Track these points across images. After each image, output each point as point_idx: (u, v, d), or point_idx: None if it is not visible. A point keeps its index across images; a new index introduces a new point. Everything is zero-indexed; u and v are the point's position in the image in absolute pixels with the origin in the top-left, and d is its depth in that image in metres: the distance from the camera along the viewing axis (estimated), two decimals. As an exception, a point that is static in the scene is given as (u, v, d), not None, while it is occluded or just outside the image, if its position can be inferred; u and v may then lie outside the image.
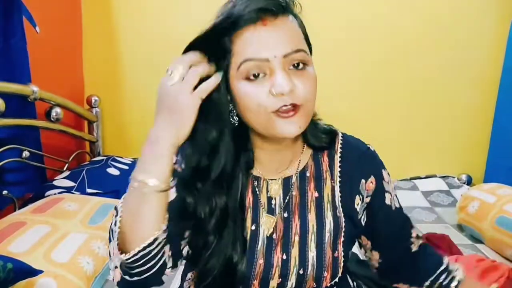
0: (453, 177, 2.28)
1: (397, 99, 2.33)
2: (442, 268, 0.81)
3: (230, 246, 0.70)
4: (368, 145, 0.82)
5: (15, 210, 1.60)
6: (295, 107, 0.64)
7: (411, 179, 2.32)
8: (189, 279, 0.83)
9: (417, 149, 2.39)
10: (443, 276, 0.80)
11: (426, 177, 2.31)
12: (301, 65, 0.65)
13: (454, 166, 2.35)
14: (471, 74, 2.27)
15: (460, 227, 1.80)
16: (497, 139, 2.23)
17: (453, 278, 0.80)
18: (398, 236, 0.82)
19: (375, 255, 0.83)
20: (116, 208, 0.68)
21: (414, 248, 0.82)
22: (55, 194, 1.67)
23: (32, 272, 1.03)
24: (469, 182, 2.30)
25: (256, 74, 0.64)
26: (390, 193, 0.80)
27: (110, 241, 0.67)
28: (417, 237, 0.83)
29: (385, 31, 2.24)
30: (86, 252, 1.25)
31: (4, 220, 1.36)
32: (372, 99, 2.33)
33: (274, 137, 0.68)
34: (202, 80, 0.65)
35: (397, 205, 0.82)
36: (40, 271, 1.05)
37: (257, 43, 0.63)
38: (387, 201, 0.79)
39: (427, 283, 0.81)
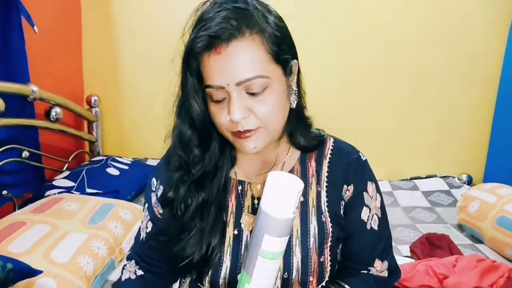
0: (454, 177, 2.28)
1: (397, 99, 2.32)
2: None
3: (210, 232, 0.73)
4: (360, 154, 0.79)
5: (14, 210, 1.60)
6: (250, 131, 0.66)
7: (411, 179, 2.32)
8: (184, 282, 0.84)
9: (417, 149, 2.39)
10: None
11: (427, 177, 2.31)
12: (258, 92, 0.64)
13: (455, 166, 2.35)
14: (471, 74, 2.26)
15: (461, 227, 1.80)
16: (497, 139, 2.23)
17: None
18: (359, 254, 0.79)
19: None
20: None
21: (371, 272, 0.79)
22: (54, 194, 1.67)
23: (31, 272, 1.02)
24: (469, 182, 2.30)
25: (220, 99, 0.66)
26: (369, 208, 0.77)
27: None
28: (388, 267, 0.80)
29: (385, 31, 2.24)
30: (86, 252, 1.24)
31: (4, 220, 1.36)
32: (372, 99, 2.33)
33: None
34: None
35: (375, 228, 0.78)
36: (40, 271, 1.05)
37: (212, 71, 0.64)
38: (363, 216, 0.77)
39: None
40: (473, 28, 2.21)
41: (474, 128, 2.32)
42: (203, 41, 0.63)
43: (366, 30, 2.24)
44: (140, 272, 0.82)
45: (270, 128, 0.67)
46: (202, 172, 0.73)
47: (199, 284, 0.77)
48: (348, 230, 0.77)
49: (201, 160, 0.73)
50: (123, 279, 0.83)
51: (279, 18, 0.69)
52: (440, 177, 2.28)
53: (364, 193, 0.77)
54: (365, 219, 0.77)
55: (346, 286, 0.76)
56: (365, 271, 0.80)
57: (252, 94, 0.64)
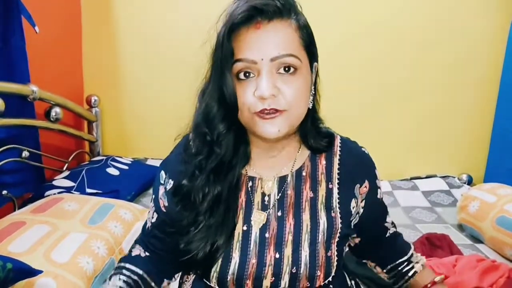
0: (454, 177, 2.28)
1: (398, 99, 2.33)
2: (404, 258, 0.90)
3: (217, 230, 0.73)
4: (363, 148, 0.84)
5: (14, 210, 1.60)
6: (276, 111, 0.67)
7: (411, 179, 2.32)
8: (186, 281, 0.84)
9: (417, 149, 2.39)
10: (404, 265, 0.90)
11: (427, 177, 2.31)
12: (291, 69, 0.67)
13: (455, 166, 2.35)
14: (471, 74, 2.26)
15: (461, 227, 1.80)
16: (498, 139, 2.23)
17: (411, 268, 0.90)
18: (378, 223, 0.89)
19: (356, 240, 0.89)
20: None
21: (387, 234, 0.90)
22: (54, 194, 1.67)
23: (31, 272, 1.02)
24: (469, 182, 2.30)
25: (247, 74, 0.67)
26: (380, 187, 0.85)
27: None
28: (392, 224, 0.92)
29: (385, 30, 2.24)
30: (86, 252, 1.24)
31: (4, 220, 1.36)
32: (372, 99, 2.33)
33: (257, 136, 0.72)
34: None
35: (382, 196, 0.87)
36: (40, 271, 1.04)
37: (247, 45, 0.66)
38: (378, 195, 0.85)
39: (388, 267, 0.91)
40: (473, 28, 2.21)
41: (474, 128, 2.32)
42: (245, 12, 0.65)
43: (366, 30, 2.24)
44: (147, 254, 0.84)
45: (293, 113, 0.69)
46: (218, 163, 0.73)
47: (204, 280, 0.77)
48: (372, 214, 0.83)
49: (223, 140, 0.73)
50: (133, 254, 0.84)
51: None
52: (440, 177, 2.28)
53: (376, 181, 0.84)
54: (379, 196, 0.85)
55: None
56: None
57: (282, 74, 0.66)
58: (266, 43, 0.65)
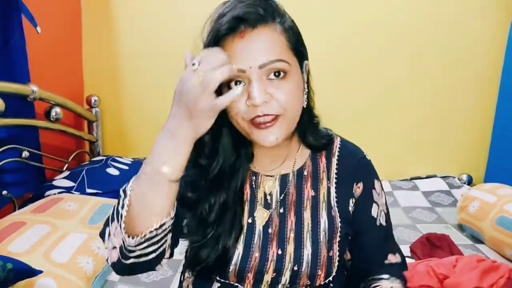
0: (454, 177, 2.28)
1: (398, 99, 2.32)
2: (382, 276, 0.80)
3: (226, 236, 0.73)
4: (364, 153, 0.84)
5: (14, 210, 1.60)
6: (271, 119, 0.67)
7: (411, 179, 2.32)
8: (188, 277, 0.84)
9: (418, 149, 2.39)
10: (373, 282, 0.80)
11: (427, 177, 2.31)
12: (281, 74, 0.67)
13: (455, 166, 2.35)
14: (471, 74, 2.26)
15: (461, 227, 1.80)
16: (498, 139, 2.23)
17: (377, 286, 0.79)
18: (372, 251, 0.82)
19: (348, 255, 0.84)
20: (124, 190, 0.67)
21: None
22: (54, 194, 1.67)
23: (31, 272, 1.02)
24: (469, 182, 2.30)
25: (238, 83, 0.67)
26: (378, 205, 0.81)
27: (111, 221, 0.68)
28: (396, 264, 0.82)
29: (385, 30, 2.24)
30: (86, 252, 1.24)
31: (4, 220, 1.36)
32: (372, 99, 2.33)
33: (256, 143, 0.71)
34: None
35: (383, 223, 0.82)
36: (40, 271, 1.05)
37: (234, 55, 0.65)
38: (373, 213, 0.80)
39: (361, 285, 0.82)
40: (473, 27, 2.21)
41: (474, 128, 2.32)
42: (228, 24, 0.65)
43: (366, 30, 2.24)
44: None
45: (288, 116, 0.69)
46: (218, 171, 0.73)
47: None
48: (359, 227, 0.80)
49: (213, 153, 0.73)
50: None
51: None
52: (440, 177, 2.28)
53: (373, 191, 0.81)
54: (375, 216, 0.81)
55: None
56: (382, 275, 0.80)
57: (272, 80, 0.66)
58: (252, 51, 0.65)
